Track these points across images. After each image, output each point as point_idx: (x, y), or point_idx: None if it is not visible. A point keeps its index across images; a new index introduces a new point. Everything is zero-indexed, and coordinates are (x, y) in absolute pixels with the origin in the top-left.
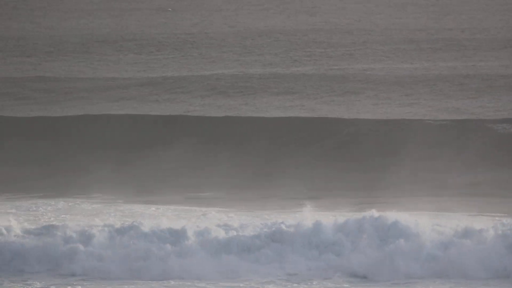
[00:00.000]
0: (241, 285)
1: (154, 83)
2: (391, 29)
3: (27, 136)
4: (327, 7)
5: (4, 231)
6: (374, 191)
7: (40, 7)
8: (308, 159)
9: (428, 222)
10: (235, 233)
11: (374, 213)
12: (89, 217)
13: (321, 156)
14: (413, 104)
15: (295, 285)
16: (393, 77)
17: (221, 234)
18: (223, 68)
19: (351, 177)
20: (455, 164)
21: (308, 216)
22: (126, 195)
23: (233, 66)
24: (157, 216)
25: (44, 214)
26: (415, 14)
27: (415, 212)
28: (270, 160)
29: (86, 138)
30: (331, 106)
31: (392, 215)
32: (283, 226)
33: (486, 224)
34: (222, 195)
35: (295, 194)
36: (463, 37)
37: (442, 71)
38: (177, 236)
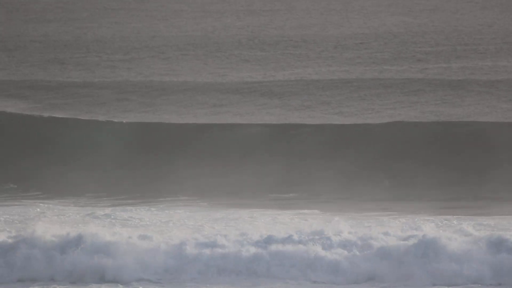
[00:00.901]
0: None
1: (255, 86)
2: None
3: (122, 141)
4: (420, 7)
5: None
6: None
7: (143, 9)
8: (414, 161)
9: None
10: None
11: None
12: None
13: (419, 159)
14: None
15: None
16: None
17: None
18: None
19: (449, 180)
20: None
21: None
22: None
23: (336, 67)
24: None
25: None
26: (508, 13)
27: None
28: (362, 164)
29: (181, 145)
30: (443, 107)
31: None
32: None
33: None
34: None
35: (384, 196)
36: None
37: None
38: None
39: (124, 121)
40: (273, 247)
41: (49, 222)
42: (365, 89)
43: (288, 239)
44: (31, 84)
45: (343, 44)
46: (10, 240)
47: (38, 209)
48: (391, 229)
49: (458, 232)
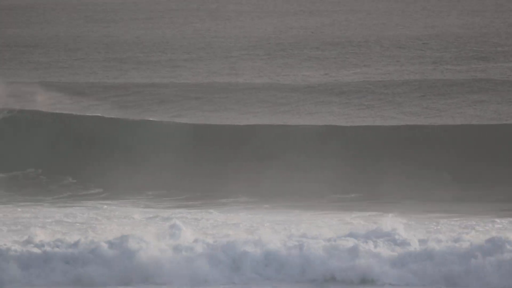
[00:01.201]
0: None
1: (316, 86)
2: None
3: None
4: (482, 7)
5: None
6: None
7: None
8: (476, 162)
9: None
10: None
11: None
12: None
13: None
14: None
15: None
16: None
17: None
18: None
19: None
20: None
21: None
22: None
23: (398, 67)
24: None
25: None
26: None
27: None
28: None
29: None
30: (505, 106)
31: None
32: None
33: None
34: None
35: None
36: None
37: None
38: None
39: (176, 121)
40: (326, 248)
41: (109, 224)
42: (427, 88)
43: (340, 240)
44: (93, 84)
45: (405, 44)
46: (69, 243)
47: (102, 212)
48: (449, 231)
49: None
